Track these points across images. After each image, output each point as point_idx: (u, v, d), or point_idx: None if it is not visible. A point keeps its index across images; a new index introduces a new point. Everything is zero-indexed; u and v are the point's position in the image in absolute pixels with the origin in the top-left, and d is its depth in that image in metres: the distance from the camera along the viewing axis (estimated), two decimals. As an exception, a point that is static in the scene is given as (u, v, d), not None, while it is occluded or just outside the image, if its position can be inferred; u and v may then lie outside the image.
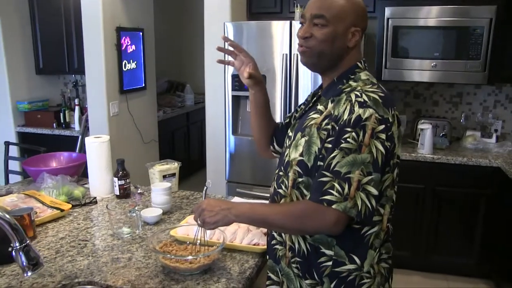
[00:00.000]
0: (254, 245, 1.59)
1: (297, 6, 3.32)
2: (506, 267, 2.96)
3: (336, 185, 1.17)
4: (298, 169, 1.29)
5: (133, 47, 4.15)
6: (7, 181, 3.54)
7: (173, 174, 2.24)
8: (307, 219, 1.22)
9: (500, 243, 3.04)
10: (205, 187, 1.71)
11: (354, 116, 1.19)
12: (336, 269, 1.27)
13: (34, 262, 1.17)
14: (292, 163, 1.32)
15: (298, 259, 1.33)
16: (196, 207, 1.39)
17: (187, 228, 1.66)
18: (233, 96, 3.29)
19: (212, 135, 3.65)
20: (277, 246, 1.40)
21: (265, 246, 1.57)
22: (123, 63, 4.01)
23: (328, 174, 1.19)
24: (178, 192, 2.28)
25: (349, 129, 1.19)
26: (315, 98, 1.43)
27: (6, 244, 1.50)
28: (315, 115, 1.32)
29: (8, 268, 1.49)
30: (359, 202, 1.16)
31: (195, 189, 2.36)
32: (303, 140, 1.30)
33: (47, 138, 4.35)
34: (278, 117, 3.20)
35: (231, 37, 3.20)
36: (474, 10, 3.11)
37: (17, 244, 1.15)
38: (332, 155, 1.19)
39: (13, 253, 1.15)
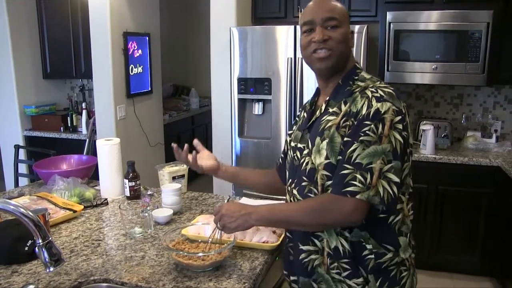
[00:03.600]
0: (264, 242, 1.64)
1: (301, 11, 3.37)
2: (509, 265, 3.00)
3: (358, 176, 1.21)
4: (325, 172, 1.31)
5: (140, 51, 4.22)
6: (16, 183, 3.60)
7: (182, 176, 2.30)
8: (326, 212, 1.26)
9: (502, 241, 3.09)
10: (227, 198, 1.79)
11: (372, 110, 1.25)
12: (379, 261, 1.31)
13: (56, 258, 1.21)
14: (319, 168, 1.32)
15: (342, 261, 1.32)
16: (216, 211, 1.43)
17: (198, 227, 1.72)
18: (239, 99, 3.35)
19: (218, 137, 3.70)
20: (311, 257, 1.38)
21: (274, 244, 1.62)
22: (130, 67, 4.08)
23: (349, 166, 1.23)
24: (187, 193, 2.33)
25: (368, 122, 1.24)
26: (324, 105, 1.41)
27: (22, 244, 1.57)
28: (331, 117, 1.34)
29: (25, 267, 1.53)
30: (381, 190, 1.21)
31: (200, 191, 2.41)
32: (324, 143, 1.31)
33: (54, 141, 4.40)
34: (283, 120, 3.26)
35: (236, 41, 3.27)
36: (472, 14, 3.17)
37: (40, 241, 1.19)
38: (352, 148, 1.24)
39: (36, 249, 1.20)
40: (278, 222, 1.40)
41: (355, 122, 1.26)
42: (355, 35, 3.02)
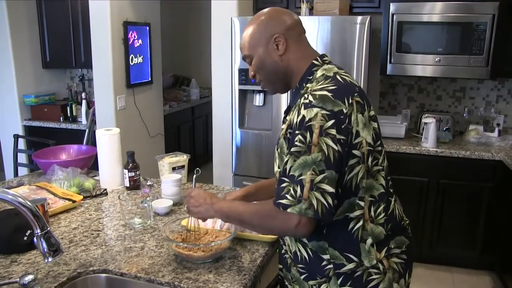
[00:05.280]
0: (264, 234, 1.63)
1: (303, 2, 3.35)
2: (508, 259, 3.00)
3: (291, 189, 1.17)
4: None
5: (140, 41, 4.18)
6: (16, 173, 3.58)
7: (182, 166, 2.28)
8: (272, 220, 1.24)
9: (502, 235, 3.08)
10: (194, 175, 1.79)
11: (299, 118, 1.20)
12: (339, 271, 1.28)
13: (54, 249, 1.20)
14: (276, 176, 1.35)
15: (301, 266, 1.35)
16: (187, 193, 1.48)
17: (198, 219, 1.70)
18: (240, 90, 3.33)
19: (218, 128, 3.69)
20: (285, 255, 1.43)
21: (274, 236, 1.61)
22: (130, 57, 4.04)
23: (285, 179, 1.20)
24: (187, 184, 2.31)
25: (297, 132, 1.19)
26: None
27: (21, 233, 1.56)
28: (283, 126, 1.33)
29: (24, 257, 1.53)
30: (314, 202, 1.15)
31: (200, 182, 2.40)
32: (277, 152, 1.34)
33: (53, 131, 4.39)
34: (283, 115, 3.23)
35: (237, 32, 3.23)
36: (477, 6, 3.14)
37: (39, 231, 1.18)
38: (285, 160, 1.21)
39: (35, 239, 1.19)
40: (233, 219, 1.40)
41: (291, 132, 1.23)
42: (358, 26, 2.99)
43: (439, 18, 3.23)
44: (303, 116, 1.19)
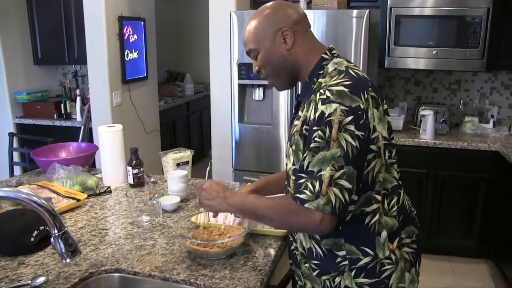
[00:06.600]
0: (276, 228, 1.62)
1: (300, -6, 3.33)
2: (505, 247, 3.04)
3: (309, 184, 1.17)
4: (294, 178, 1.30)
5: (135, 36, 4.12)
6: (12, 172, 3.53)
7: (187, 162, 2.26)
8: (293, 216, 1.22)
9: (499, 225, 3.12)
10: (207, 168, 1.78)
11: (318, 114, 1.19)
12: (354, 266, 1.28)
13: (72, 249, 1.18)
14: (289, 173, 1.35)
15: (315, 262, 1.34)
16: (199, 184, 1.46)
17: (209, 214, 1.69)
18: (239, 85, 3.30)
19: (217, 123, 3.66)
20: (295, 252, 1.42)
21: (286, 230, 1.61)
22: (125, 52, 3.99)
23: (303, 175, 1.19)
24: (191, 180, 2.30)
25: (315, 128, 1.19)
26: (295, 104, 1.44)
27: (28, 234, 1.53)
28: (296, 122, 1.31)
29: (32, 258, 1.50)
30: (332, 198, 1.15)
31: (197, 177, 2.39)
32: (291, 149, 1.32)
33: (47, 129, 4.33)
34: (284, 106, 3.23)
35: (235, 26, 3.21)
36: (473, -1, 3.16)
37: (56, 231, 1.15)
38: (304, 155, 1.21)
39: (52, 240, 1.16)
40: (248, 213, 1.38)
41: (308, 129, 1.22)
42: (355, 19, 2.98)
43: (436, 11, 3.24)
44: (322, 111, 1.18)
